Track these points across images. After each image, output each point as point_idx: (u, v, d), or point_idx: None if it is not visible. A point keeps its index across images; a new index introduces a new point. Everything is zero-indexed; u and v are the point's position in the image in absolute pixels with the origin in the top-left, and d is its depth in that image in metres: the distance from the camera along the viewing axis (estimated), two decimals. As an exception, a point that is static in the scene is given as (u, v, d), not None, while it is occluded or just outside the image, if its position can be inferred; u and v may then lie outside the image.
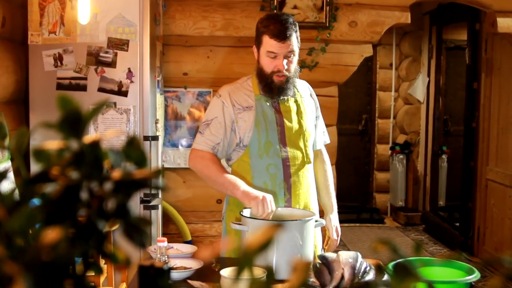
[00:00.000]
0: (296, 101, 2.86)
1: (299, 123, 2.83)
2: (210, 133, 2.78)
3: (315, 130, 2.97)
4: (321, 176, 3.03)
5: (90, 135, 0.70)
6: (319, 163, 3.04)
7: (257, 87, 2.83)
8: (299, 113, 2.85)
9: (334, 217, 2.94)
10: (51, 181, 0.68)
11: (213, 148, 2.79)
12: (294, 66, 2.79)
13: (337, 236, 2.91)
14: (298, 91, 2.90)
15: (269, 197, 2.55)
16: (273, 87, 2.77)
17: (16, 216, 0.61)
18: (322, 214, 2.97)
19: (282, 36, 2.68)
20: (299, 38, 2.78)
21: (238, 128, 2.79)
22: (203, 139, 2.79)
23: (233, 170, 2.85)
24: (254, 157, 2.78)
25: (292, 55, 2.76)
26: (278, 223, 2.40)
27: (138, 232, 0.69)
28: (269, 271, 0.56)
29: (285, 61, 2.73)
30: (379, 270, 0.67)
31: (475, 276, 2.16)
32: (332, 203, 2.98)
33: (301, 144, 2.83)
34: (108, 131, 3.89)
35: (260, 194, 2.56)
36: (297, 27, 2.77)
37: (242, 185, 2.62)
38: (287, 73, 2.75)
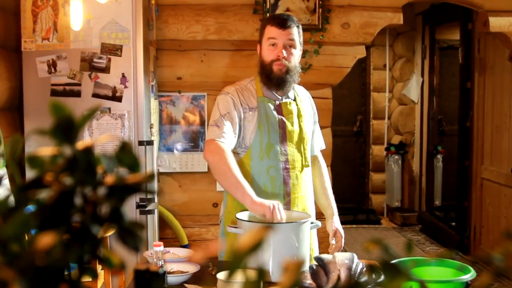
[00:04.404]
0: (297, 105, 2.89)
1: (300, 126, 2.86)
2: (226, 127, 2.73)
3: (312, 135, 2.99)
4: (319, 181, 3.04)
5: (84, 141, 0.71)
6: (316, 168, 3.06)
7: (260, 89, 2.85)
8: (299, 116, 2.88)
9: (335, 220, 2.95)
10: (45, 187, 0.69)
11: (229, 142, 2.71)
12: (295, 60, 2.82)
13: (341, 238, 2.92)
14: (298, 95, 2.93)
15: (278, 204, 2.50)
16: (272, 77, 2.79)
17: (11, 222, 0.62)
18: (318, 217, 2.98)
19: (283, 23, 2.76)
20: (301, 35, 2.84)
21: (243, 128, 2.79)
22: (220, 132, 2.71)
23: None
24: (255, 158, 2.78)
25: (293, 47, 2.80)
26: (273, 225, 2.41)
27: (132, 236, 0.69)
28: (261, 272, 0.57)
29: (284, 51, 2.77)
30: (371, 269, 0.67)
31: (471, 275, 2.17)
32: (331, 207, 2.99)
33: (301, 148, 2.85)
34: (101, 136, 3.89)
35: (270, 202, 2.51)
36: (300, 25, 2.85)
37: (252, 193, 2.55)
38: (286, 62, 2.77)
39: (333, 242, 2.89)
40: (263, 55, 2.81)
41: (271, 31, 2.77)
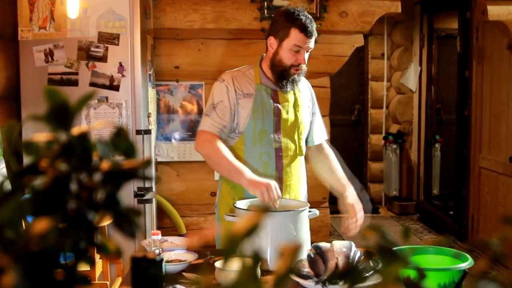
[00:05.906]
0: (294, 94, 2.90)
1: (295, 115, 2.87)
2: (217, 116, 2.78)
3: (310, 125, 2.99)
4: (325, 164, 3.04)
5: (79, 127, 0.70)
6: (321, 156, 3.06)
7: (258, 77, 2.87)
8: (296, 105, 2.88)
9: (350, 194, 2.93)
10: (40, 173, 0.68)
11: (220, 131, 2.78)
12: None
13: (359, 212, 2.90)
14: (297, 85, 2.93)
15: (274, 183, 2.54)
16: (288, 79, 2.83)
17: (6, 208, 0.61)
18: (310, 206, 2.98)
19: (310, 32, 2.76)
20: None
21: (237, 114, 2.81)
22: (211, 121, 2.78)
23: None
24: (248, 144, 2.81)
25: (310, 51, 2.84)
26: (270, 213, 2.41)
27: (128, 222, 0.69)
28: (256, 257, 0.57)
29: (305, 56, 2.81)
30: (368, 255, 0.67)
31: (469, 263, 2.17)
32: (341, 182, 2.97)
33: (295, 136, 2.86)
34: (97, 122, 3.88)
35: (264, 181, 2.55)
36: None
37: (248, 173, 2.61)
38: (303, 66, 2.82)
39: (351, 221, 2.89)
40: (283, 56, 2.80)
41: (299, 38, 2.75)
